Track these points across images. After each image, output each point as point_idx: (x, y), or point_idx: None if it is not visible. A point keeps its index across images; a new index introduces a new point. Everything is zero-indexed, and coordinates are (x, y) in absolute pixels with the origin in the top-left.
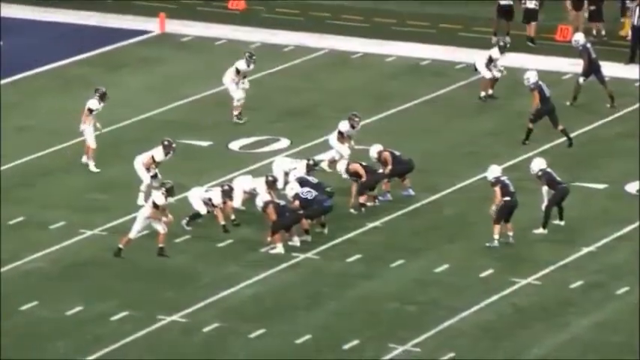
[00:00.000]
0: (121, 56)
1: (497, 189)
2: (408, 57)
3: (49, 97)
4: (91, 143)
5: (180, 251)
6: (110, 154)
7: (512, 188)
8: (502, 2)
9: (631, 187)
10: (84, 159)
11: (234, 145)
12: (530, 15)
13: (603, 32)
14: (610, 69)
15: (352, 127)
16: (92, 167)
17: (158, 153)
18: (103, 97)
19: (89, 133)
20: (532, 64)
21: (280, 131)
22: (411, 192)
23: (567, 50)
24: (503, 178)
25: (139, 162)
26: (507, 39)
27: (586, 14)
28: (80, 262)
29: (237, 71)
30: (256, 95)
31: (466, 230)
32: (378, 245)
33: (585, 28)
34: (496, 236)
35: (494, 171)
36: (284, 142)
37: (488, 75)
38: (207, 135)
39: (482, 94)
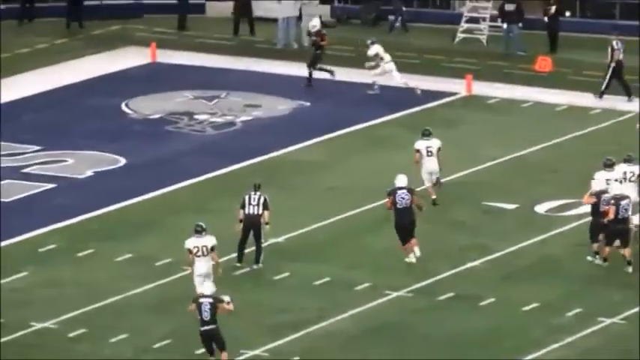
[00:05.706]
0: (426, 117)
1: None
2: None
3: (362, 155)
4: None
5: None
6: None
7: None
8: None
9: None
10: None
11: (540, 208)
12: None
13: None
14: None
15: None
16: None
17: None
18: None
19: None
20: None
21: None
22: None
23: None
24: None
25: None
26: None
27: None
28: (383, 324)
29: None
30: (562, 156)
31: None
32: None
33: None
34: None
35: None
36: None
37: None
38: (513, 197)
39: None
